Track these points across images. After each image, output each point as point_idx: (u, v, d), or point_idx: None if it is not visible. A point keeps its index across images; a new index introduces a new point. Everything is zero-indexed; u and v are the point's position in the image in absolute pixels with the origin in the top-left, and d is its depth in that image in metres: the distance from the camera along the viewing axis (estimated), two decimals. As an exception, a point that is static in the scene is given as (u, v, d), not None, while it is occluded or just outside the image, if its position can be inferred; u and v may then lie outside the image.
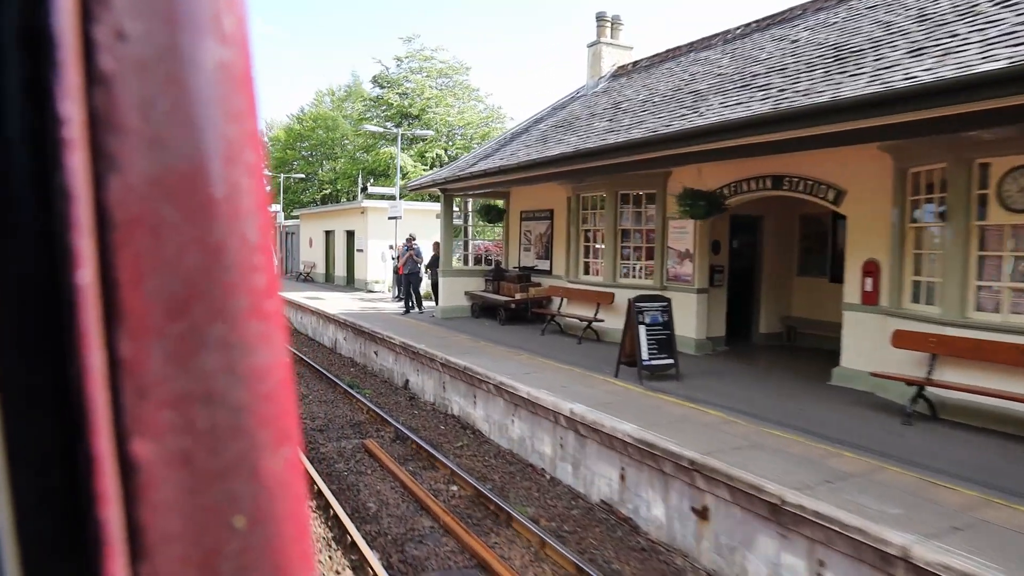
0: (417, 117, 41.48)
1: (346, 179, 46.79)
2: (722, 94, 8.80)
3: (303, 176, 45.39)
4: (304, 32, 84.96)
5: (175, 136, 0.34)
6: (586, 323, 11.82)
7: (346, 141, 48.92)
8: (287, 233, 36.20)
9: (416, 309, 16.84)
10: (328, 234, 29.21)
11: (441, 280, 15.56)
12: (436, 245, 16.50)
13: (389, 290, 22.83)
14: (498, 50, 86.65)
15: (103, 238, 0.32)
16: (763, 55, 9.54)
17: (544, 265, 14.87)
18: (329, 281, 29.17)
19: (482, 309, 15.40)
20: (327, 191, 50.25)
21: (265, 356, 0.38)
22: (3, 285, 0.32)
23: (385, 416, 10.28)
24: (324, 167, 49.37)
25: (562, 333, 13.07)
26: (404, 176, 38.23)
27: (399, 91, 41.24)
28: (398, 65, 41.81)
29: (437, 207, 26.47)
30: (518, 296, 14.14)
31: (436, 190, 15.70)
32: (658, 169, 10.58)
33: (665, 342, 8.83)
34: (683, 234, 11.02)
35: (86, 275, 0.32)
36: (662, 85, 11.43)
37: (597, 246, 12.63)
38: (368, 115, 42.87)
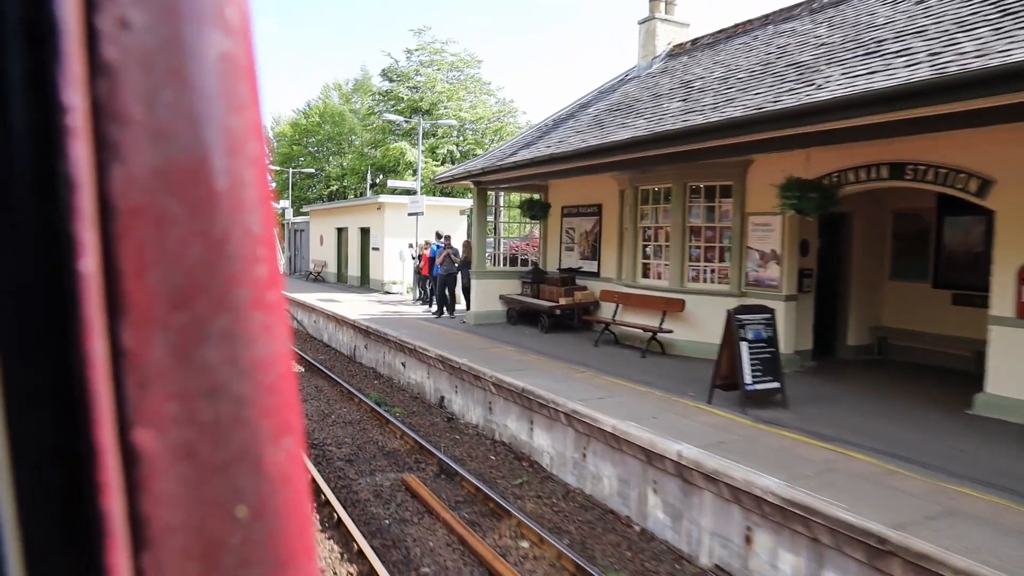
0: (428, 112, 39.53)
1: (354, 175, 45.53)
2: (839, 64, 7.29)
3: (312, 172, 44.02)
4: (307, 30, 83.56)
5: (178, 126, 0.34)
6: (650, 334, 10.31)
7: (353, 136, 47.72)
8: (295, 230, 34.63)
9: (447, 314, 15.35)
10: (340, 231, 27.67)
11: (474, 282, 14.05)
12: (467, 245, 14.97)
13: (409, 292, 21.35)
14: (495, 49, 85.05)
15: (106, 228, 0.32)
16: (880, 20, 8.01)
17: (590, 266, 13.35)
18: (341, 281, 27.62)
19: (520, 315, 13.90)
20: (334, 187, 48.96)
21: (268, 347, 0.37)
22: (6, 274, 0.31)
23: (424, 443, 8.80)
24: (331, 163, 48.15)
25: (618, 344, 11.55)
26: (415, 172, 36.81)
27: (409, 85, 39.93)
28: (408, 58, 40.52)
29: (459, 203, 25.08)
30: (563, 301, 12.63)
31: (468, 183, 14.20)
32: (738, 157, 9.08)
33: (770, 362, 7.33)
34: (767, 232, 9.50)
35: (89, 264, 0.32)
36: (743, 61, 9.91)
37: (658, 246, 11.12)
38: (377, 109, 41.62)
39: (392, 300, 20.12)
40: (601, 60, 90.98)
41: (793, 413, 7.19)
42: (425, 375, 11.40)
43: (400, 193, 28.46)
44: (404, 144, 38.36)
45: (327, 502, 7.03)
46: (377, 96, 42.05)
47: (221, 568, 0.36)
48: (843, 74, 6.91)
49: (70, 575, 0.32)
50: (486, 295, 14.09)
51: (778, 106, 6.91)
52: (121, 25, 0.33)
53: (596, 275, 13.09)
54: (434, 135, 38.73)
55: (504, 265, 15.93)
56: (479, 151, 39.54)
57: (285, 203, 36.50)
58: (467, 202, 26.21)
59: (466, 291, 14.56)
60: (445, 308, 15.40)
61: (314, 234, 30.81)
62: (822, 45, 8.41)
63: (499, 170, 12.23)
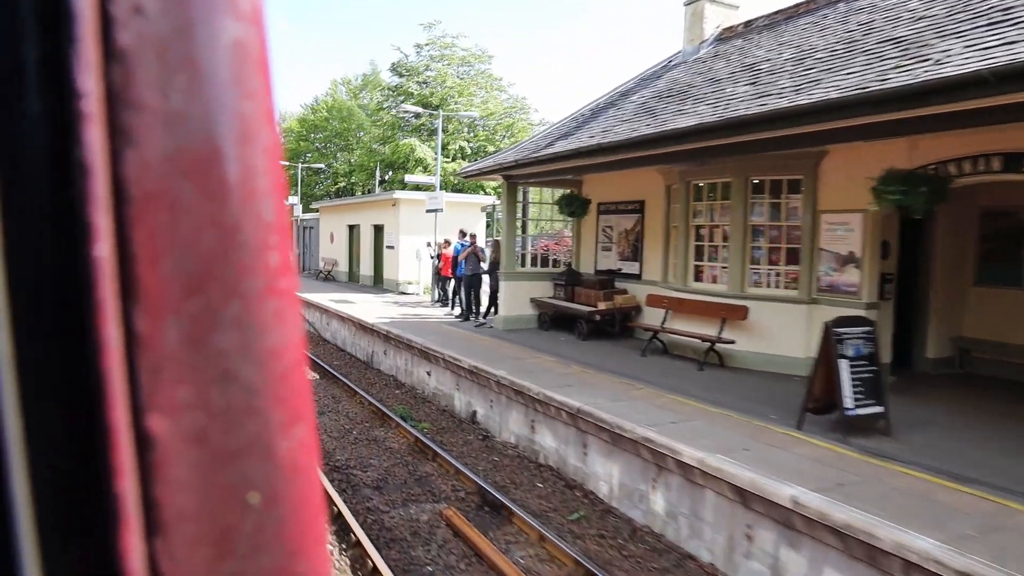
0: (438, 107, 39.60)
1: (362, 172, 44.84)
2: (956, 37, 6.25)
3: (322, 167, 43.20)
4: (317, 25, 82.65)
5: (192, 113, 0.34)
6: (708, 344, 9.28)
7: (362, 132, 47.06)
8: (304, 227, 33.58)
9: (473, 318, 14.34)
10: (352, 229, 26.60)
11: (502, 284, 13.03)
12: (496, 244, 13.93)
13: (426, 292, 20.36)
14: (507, 45, 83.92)
15: (120, 213, 0.32)
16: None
17: (631, 268, 12.31)
18: (353, 280, 26.52)
19: (553, 320, 12.87)
20: (341, 184, 48.17)
21: (280, 335, 0.37)
22: (21, 259, 0.32)
23: (460, 467, 7.79)
24: (339, 159, 47.49)
25: (667, 354, 10.52)
26: (425, 169, 36.16)
27: (419, 80, 39.18)
28: (418, 53, 39.83)
29: (479, 199, 24.07)
30: (602, 306, 11.60)
31: (495, 177, 13.20)
32: (821, 146, 8.05)
33: (872, 382, 6.30)
34: (846, 232, 8.47)
35: (103, 249, 0.32)
36: (817, 40, 8.87)
37: (713, 246, 10.08)
38: (387, 105, 40.87)
39: (409, 301, 19.11)
40: (614, 56, 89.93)
41: (900, 442, 6.16)
42: (453, 386, 10.40)
43: (416, 189, 27.47)
44: (414, 140, 37.62)
45: (357, 542, 6.04)
46: (387, 91, 41.28)
47: (233, 554, 0.36)
48: (967, 47, 5.88)
49: (84, 559, 0.32)
50: (515, 298, 13.06)
51: (891, 85, 5.88)
52: (135, 11, 0.33)
53: (637, 277, 12.06)
54: (445, 131, 37.99)
55: (535, 266, 14.89)
56: (490, 148, 38.92)
57: (294, 199, 35.48)
58: (486, 199, 25.26)
59: (493, 294, 13.52)
60: (474, 311, 14.40)
61: (324, 231, 29.75)
62: (920, 19, 7.37)
63: (535, 162, 11.20)
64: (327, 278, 27.56)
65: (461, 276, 14.66)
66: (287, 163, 40.92)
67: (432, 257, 18.37)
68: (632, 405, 7.34)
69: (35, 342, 0.32)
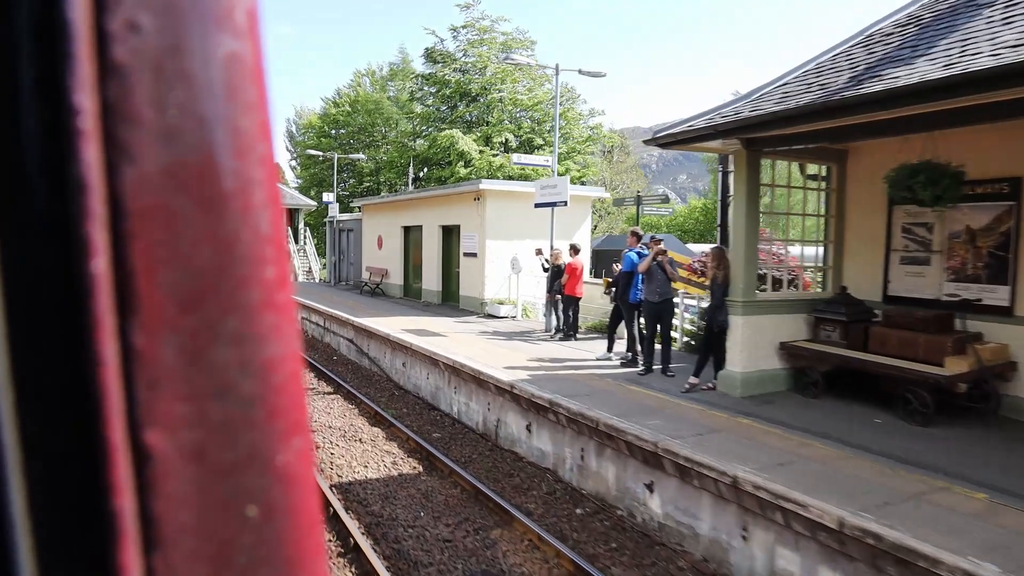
0: (477, 97, 34.91)
1: (392, 169, 40.36)
2: None
3: (361, 157, 38.69)
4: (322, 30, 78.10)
5: (188, 128, 0.34)
6: None
7: (387, 129, 43.14)
8: (341, 230, 28.31)
9: (661, 370, 9.24)
10: (408, 231, 21.29)
11: (739, 320, 7.82)
12: (719, 253, 8.55)
13: (526, 315, 15.29)
14: (547, 30, 78.68)
15: (117, 228, 0.32)
16: None
17: (988, 296, 7.14)
18: (410, 296, 20.99)
19: (828, 380, 7.70)
20: (368, 184, 43.57)
21: (277, 348, 0.37)
22: (19, 275, 0.32)
23: None
24: (363, 156, 43.35)
25: None
26: (468, 165, 31.89)
27: (456, 66, 34.82)
28: (454, 37, 35.50)
29: (590, 191, 18.79)
30: (958, 364, 6.46)
31: (720, 145, 8.07)
32: None
33: None
34: None
35: (100, 264, 0.32)
36: None
37: None
38: (419, 94, 36.61)
39: (509, 330, 13.94)
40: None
41: None
42: (732, 524, 5.26)
43: (504, 179, 22.21)
44: (456, 132, 33.15)
45: None
46: (420, 79, 36.85)
47: (232, 568, 0.35)
48: None
49: (83, 574, 0.32)
50: (757, 343, 7.91)
51: None
52: (130, 27, 0.33)
53: (1004, 312, 6.87)
54: (487, 123, 34.01)
55: (784, 290, 9.35)
56: (537, 140, 34.63)
57: (330, 196, 30.33)
58: (593, 191, 20.01)
59: (717, 332, 8.26)
60: (649, 358, 9.30)
61: (368, 234, 24.42)
62: None
63: (808, 114, 6.11)
64: (374, 292, 22.33)
65: (636, 302, 9.56)
66: (320, 153, 36.77)
67: (546, 270, 13.33)
68: None
69: (32, 357, 0.32)
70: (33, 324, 0.32)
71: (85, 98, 0.31)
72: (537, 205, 13.81)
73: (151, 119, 0.33)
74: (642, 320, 9.66)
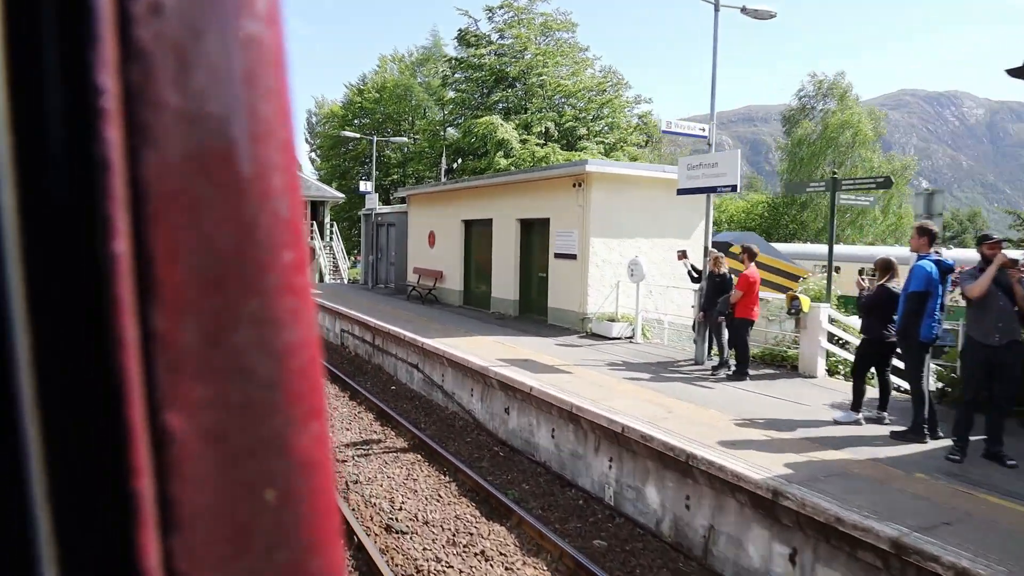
0: (514, 82, 33.06)
1: (421, 161, 37.28)
2: None
3: (404, 140, 35.70)
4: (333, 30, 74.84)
5: (209, 111, 0.34)
6: None
7: (413, 117, 40.80)
8: (380, 224, 24.66)
9: (998, 455, 5.67)
10: (469, 226, 17.68)
11: None
12: None
13: (645, 337, 11.74)
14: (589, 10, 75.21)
15: (138, 210, 0.32)
16: None
17: None
18: (472, 305, 17.44)
19: None
20: (395, 176, 40.32)
21: (296, 332, 0.37)
22: (40, 255, 0.31)
23: None
24: (390, 146, 40.41)
25: None
26: (508, 155, 28.84)
27: (492, 48, 31.98)
28: (489, 18, 32.70)
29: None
30: None
31: None
32: None
33: None
34: None
35: (122, 246, 0.32)
36: None
37: None
38: (453, 78, 34.64)
39: (633, 357, 10.38)
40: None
41: None
42: None
43: (613, 158, 18.54)
44: (496, 118, 30.09)
45: None
46: (453, 62, 33.99)
47: (250, 551, 0.35)
48: None
49: (101, 557, 0.32)
50: None
51: None
52: (153, 10, 0.33)
53: None
54: (526, 109, 32.23)
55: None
56: (581, 130, 31.60)
57: (368, 185, 26.63)
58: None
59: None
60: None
61: (416, 230, 20.73)
62: None
63: None
64: (424, 299, 18.69)
65: (930, 340, 5.95)
66: (357, 135, 34.42)
67: (695, 279, 9.79)
68: None
69: (53, 339, 0.31)
70: (54, 306, 0.31)
71: (108, 79, 0.31)
72: (681, 191, 10.18)
73: (173, 102, 0.33)
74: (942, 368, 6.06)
